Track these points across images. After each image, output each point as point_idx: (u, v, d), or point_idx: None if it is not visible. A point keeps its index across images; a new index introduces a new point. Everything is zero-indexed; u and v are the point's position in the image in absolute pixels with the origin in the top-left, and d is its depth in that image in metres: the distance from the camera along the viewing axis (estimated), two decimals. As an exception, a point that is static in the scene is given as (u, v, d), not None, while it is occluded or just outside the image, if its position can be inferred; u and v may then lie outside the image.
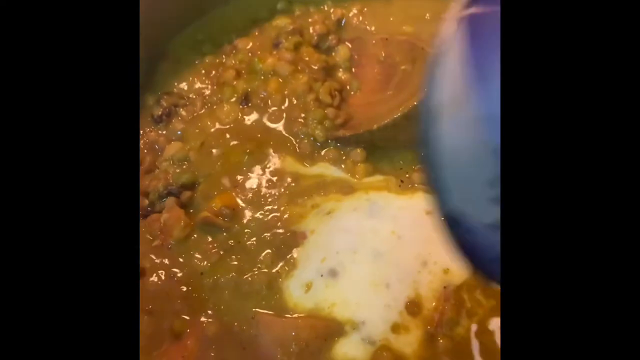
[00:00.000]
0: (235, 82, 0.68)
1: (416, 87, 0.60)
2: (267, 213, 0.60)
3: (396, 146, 0.62)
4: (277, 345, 0.53)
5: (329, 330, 0.54)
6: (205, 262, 0.58)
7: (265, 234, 0.59)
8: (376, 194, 0.61)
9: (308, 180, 0.62)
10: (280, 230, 0.59)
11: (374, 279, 0.56)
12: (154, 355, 0.53)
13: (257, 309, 0.55)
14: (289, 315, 0.55)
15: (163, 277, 0.58)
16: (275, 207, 0.61)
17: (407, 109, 0.59)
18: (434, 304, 0.55)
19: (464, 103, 0.32)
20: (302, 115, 0.64)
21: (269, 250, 0.58)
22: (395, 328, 0.54)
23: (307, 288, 0.56)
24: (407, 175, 0.62)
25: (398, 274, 0.57)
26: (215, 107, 0.67)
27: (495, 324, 0.54)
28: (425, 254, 0.58)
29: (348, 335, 0.54)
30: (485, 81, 0.31)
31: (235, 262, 0.57)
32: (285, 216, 0.60)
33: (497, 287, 0.32)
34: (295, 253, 0.58)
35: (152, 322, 0.55)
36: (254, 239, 0.59)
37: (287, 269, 0.57)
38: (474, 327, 0.54)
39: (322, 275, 0.57)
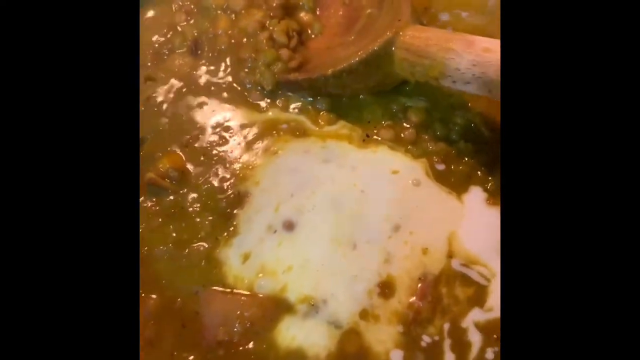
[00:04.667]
0: (184, 24, 0.60)
1: (380, 31, 0.53)
2: (217, 174, 0.54)
3: (354, 95, 0.56)
4: (219, 324, 0.47)
5: (278, 309, 0.48)
6: (143, 226, 0.51)
7: (209, 201, 0.52)
8: (334, 143, 0.55)
9: (262, 125, 0.56)
10: (228, 192, 0.53)
11: (336, 235, 0.50)
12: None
13: (201, 284, 0.49)
14: (236, 291, 0.49)
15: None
16: (227, 166, 0.54)
17: (366, 54, 0.52)
18: (410, 300, 0.48)
19: None
20: (253, 55, 0.57)
21: (211, 217, 0.52)
22: (364, 314, 0.48)
23: (244, 258, 0.50)
24: (374, 131, 0.55)
25: (366, 235, 0.50)
26: (165, 57, 0.60)
27: (467, 321, 0.48)
28: (396, 218, 0.51)
29: (302, 314, 0.48)
30: None
31: (174, 234, 0.51)
32: (236, 172, 0.54)
33: None
34: (239, 216, 0.52)
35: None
36: (198, 205, 0.52)
37: (226, 235, 0.51)
38: (446, 326, 0.48)
39: (275, 232, 0.51)
